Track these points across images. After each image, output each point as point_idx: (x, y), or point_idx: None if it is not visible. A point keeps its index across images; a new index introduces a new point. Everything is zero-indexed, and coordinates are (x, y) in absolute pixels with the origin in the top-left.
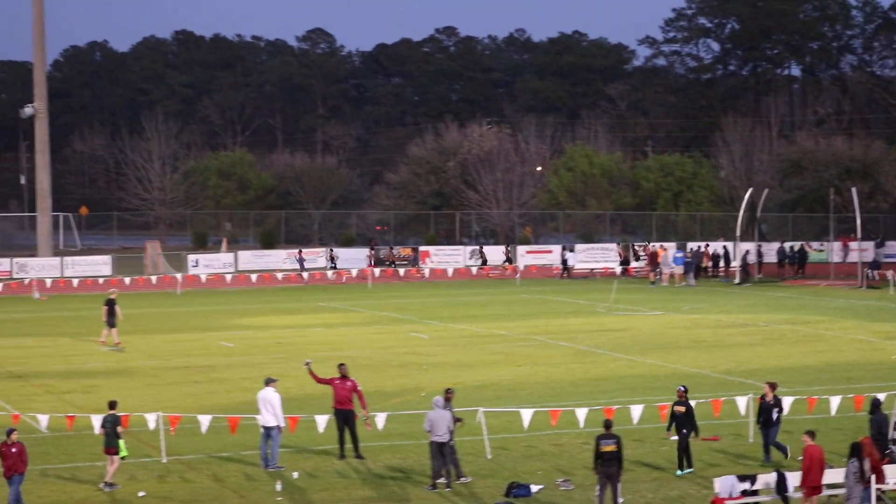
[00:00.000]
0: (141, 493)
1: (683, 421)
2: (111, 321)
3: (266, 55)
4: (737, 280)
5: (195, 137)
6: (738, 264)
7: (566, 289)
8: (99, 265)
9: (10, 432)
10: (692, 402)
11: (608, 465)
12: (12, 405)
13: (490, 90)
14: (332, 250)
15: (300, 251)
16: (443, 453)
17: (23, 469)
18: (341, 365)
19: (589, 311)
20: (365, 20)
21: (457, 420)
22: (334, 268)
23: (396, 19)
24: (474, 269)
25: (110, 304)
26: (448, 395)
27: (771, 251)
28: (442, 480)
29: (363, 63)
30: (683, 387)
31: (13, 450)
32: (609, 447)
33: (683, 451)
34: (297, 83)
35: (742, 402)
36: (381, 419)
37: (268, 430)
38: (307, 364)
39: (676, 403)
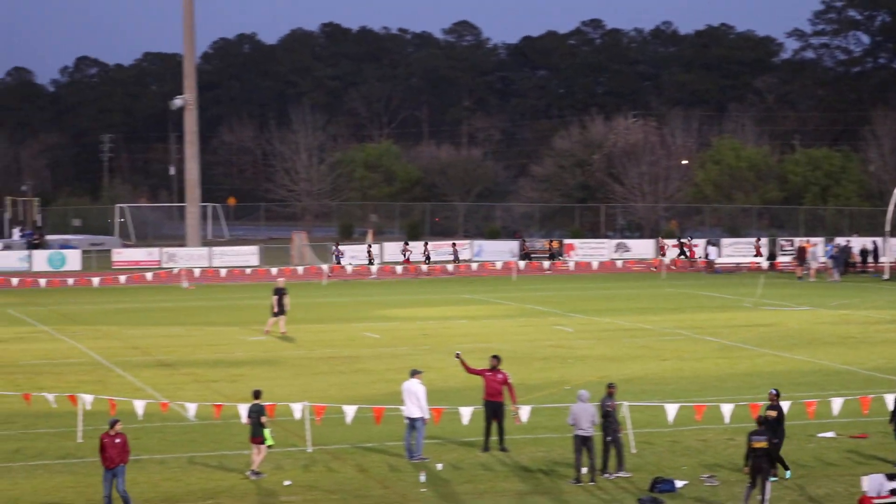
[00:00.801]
0: (287, 482)
1: (774, 427)
2: (280, 310)
3: (412, 48)
4: (885, 276)
5: (342, 129)
6: (887, 260)
7: (712, 283)
8: (246, 255)
9: (113, 423)
10: (784, 406)
11: (758, 461)
12: (161, 393)
13: (636, 83)
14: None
15: (454, 244)
16: (587, 447)
17: (126, 460)
18: (494, 357)
19: (735, 306)
20: (511, 13)
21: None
22: (428, 260)
23: (542, 12)
24: (619, 263)
25: (279, 293)
26: (610, 390)
27: None
28: (585, 472)
29: (509, 56)
30: (775, 390)
31: (116, 440)
32: (760, 443)
33: (777, 459)
34: (443, 75)
35: (891, 399)
36: (525, 412)
37: (412, 421)
38: (458, 355)
39: (769, 408)
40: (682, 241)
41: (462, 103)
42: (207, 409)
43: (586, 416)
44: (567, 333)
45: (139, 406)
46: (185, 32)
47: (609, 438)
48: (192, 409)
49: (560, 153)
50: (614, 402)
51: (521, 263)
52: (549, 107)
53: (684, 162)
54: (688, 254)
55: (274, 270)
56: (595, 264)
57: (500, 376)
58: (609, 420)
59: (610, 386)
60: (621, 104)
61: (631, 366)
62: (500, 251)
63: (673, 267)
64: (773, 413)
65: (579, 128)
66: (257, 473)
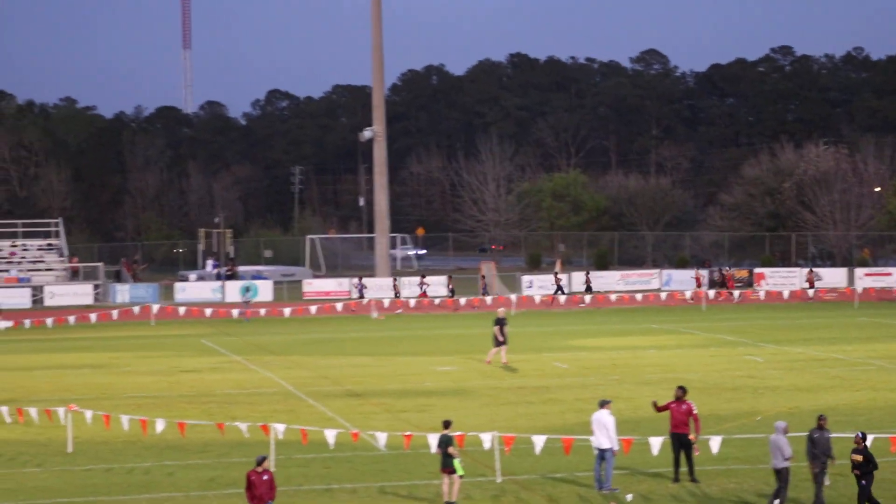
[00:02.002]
0: None
1: (863, 470)
2: (501, 340)
3: (600, 77)
4: None
5: (529, 159)
6: None
7: None
8: (435, 286)
9: (260, 460)
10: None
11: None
12: (351, 423)
13: (827, 109)
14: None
15: (586, 273)
16: (780, 479)
17: (272, 497)
18: (679, 388)
19: None
20: (699, 41)
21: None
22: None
23: (731, 39)
24: (811, 292)
25: (500, 323)
26: (821, 423)
27: None
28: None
29: (697, 83)
30: (861, 433)
31: (264, 478)
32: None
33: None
34: (631, 104)
35: None
36: (715, 443)
37: (602, 451)
38: (654, 403)
39: (854, 451)
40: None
41: (650, 132)
42: (397, 439)
43: (776, 449)
44: (758, 363)
45: (330, 436)
46: (374, 65)
47: (817, 471)
48: (382, 438)
49: (749, 181)
50: (826, 434)
51: (710, 293)
52: (738, 134)
53: (877, 189)
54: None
55: (463, 301)
56: (786, 293)
57: (684, 407)
58: (817, 451)
59: (820, 418)
60: (812, 131)
61: (823, 396)
62: (689, 280)
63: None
64: (859, 458)
65: (769, 155)
66: None
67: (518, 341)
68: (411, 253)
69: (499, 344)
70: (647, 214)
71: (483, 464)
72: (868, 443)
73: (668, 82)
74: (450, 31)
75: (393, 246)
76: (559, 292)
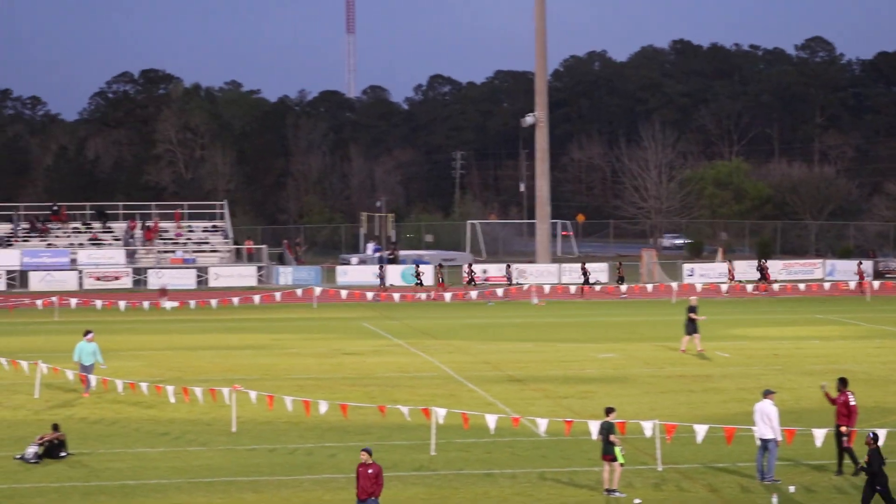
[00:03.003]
0: (637, 501)
1: (867, 471)
2: (693, 328)
3: (764, 64)
4: None
5: (691, 146)
6: None
7: None
8: (595, 272)
9: (366, 452)
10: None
11: None
12: (511, 408)
13: None
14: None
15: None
16: None
17: (378, 493)
18: (840, 379)
19: None
20: (865, 28)
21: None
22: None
23: None
24: None
25: (692, 310)
26: None
27: None
28: None
29: (863, 71)
30: (873, 433)
31: (369, 471)
32: None
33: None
34: (795, 92)
35: None
36: (882, 434)
37: (764, 442)
38: (823, 386)
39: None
40: None
41: (814, 120)
42: (558, 425)
43: None
44: None
45: (491, 420)
46: (537, 50)
47: None
48: (542, 424)
49: None
50: None
51: (876, 283)
52: None
53: None
54: None
55: (623, 288)
56: None
57: (841, 398)
58: None
59: None
60: None
61: None
62: (853, 271)
63: None
64: (868, 458)
65: None
66: (611, 491)
67: (678, 329)
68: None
69: (692, 332)
70: (811, 203)
71: (644, 452)
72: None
73: (834, 70)
74: (612, 16)
75: (553, 232)
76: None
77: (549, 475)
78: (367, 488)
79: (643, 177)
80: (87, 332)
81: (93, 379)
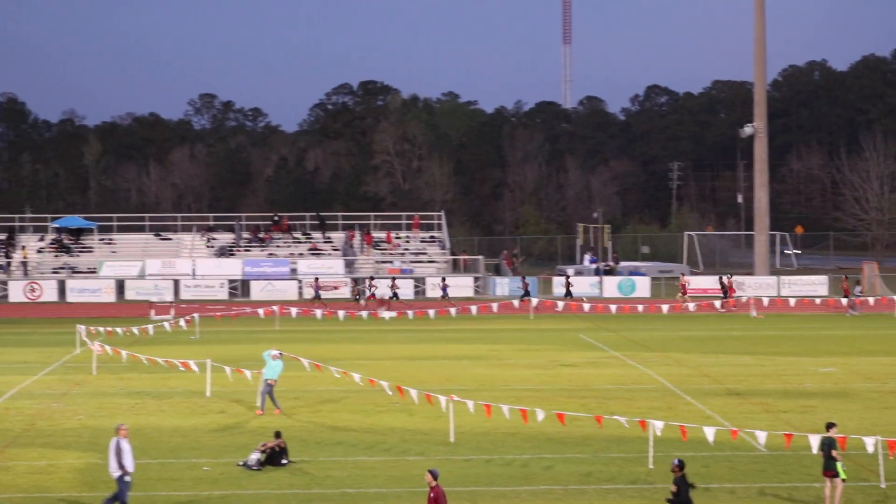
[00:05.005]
0: None
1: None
2: None
3: None
4: None
5: None
6: None
7: None
8: (815, 285)
9: (430, 474)
10: None
11: None
12: (730, 422)
13: None
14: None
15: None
16: None
17: None
18: None
19: None
20: None
21: None
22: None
23: None
24: None
25: None
26: None
27: None
28: None
29: None
30: (678, 461)
31: (431, 495)
32: None
33: None
34: None
35: None
36: None
37: None
38: None
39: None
40: None
41: None
42: (777, 439)
43: None
44: None
45: (709, 434)
46: (756, 60)
47: None
48: (761, 438)
49: None
50: None
51: None
52: None
53: None
54: None
55: (844, 301)
56: None
57: None
58: None
59: None
60: None
61: None
62: None
63: None
64: (674, 488)
65: None
66: None
67: None
68: (789, 252)
69: None
70: None
71: (866, 468)
72: None
73: None
74: (832, 25)
75: (771, 244)
76: None
77: (769, 490)
78: None
79: (864, 188)
80: (274, 351)
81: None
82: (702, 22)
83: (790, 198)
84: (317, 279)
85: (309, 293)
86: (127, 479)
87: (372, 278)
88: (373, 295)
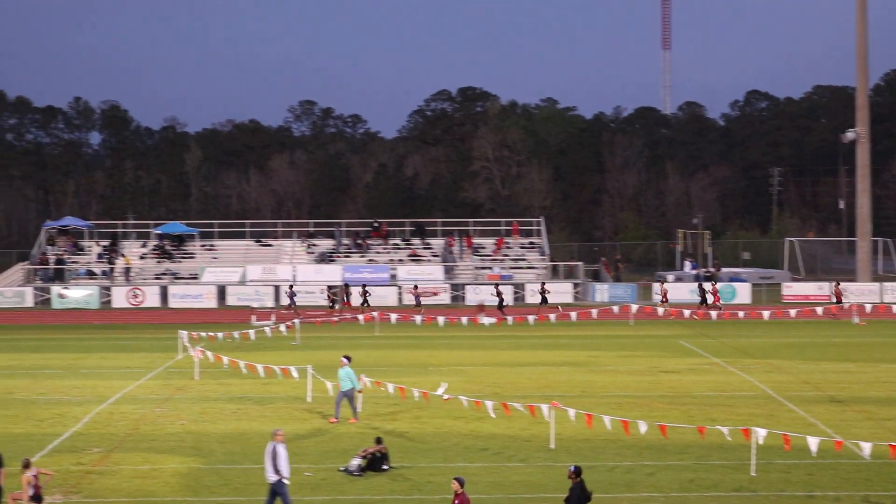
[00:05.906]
0: None
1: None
2: None
3: None
4: None
5: None
6: None
7: None
8: None
9: (457, 482)
10: None
11: None
12: (833, 429)
13: None
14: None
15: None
16: None
17: None
18: None
19: None
20: None
21: None
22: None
23: None
24: None
25: None
26: None
27: None
28: None
29: None
30: (574, 466)
31: (455, 502)
32: None
33: None
34: None
35: None
36: None
37: None
38: None
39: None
40: None
41: None
42: (882, 448)
43: None
44: None
45: (812, 442)
46: (858, 65)
47: None
48: (866, 447)
49: None
50: None
51: None
52: None
53: None
54: None
55: None
56: None
57: None
58: None
59: None
60: None
61: None
62: None
63: None
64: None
65: None
66: None
67: None
68: None
69: None
70: None
71: None
72: None
73: None
74: None
75: (874, 251)
76: None
77: (874, 498)
78: None
79: None
80: (345, 357)
81: (359, 404)
82: (802, 26)
83: (892, 203)
84: (416, 286)
85: (409, 299)
86: (286, 481)
87: (347, 285)
88: (348, 301)
